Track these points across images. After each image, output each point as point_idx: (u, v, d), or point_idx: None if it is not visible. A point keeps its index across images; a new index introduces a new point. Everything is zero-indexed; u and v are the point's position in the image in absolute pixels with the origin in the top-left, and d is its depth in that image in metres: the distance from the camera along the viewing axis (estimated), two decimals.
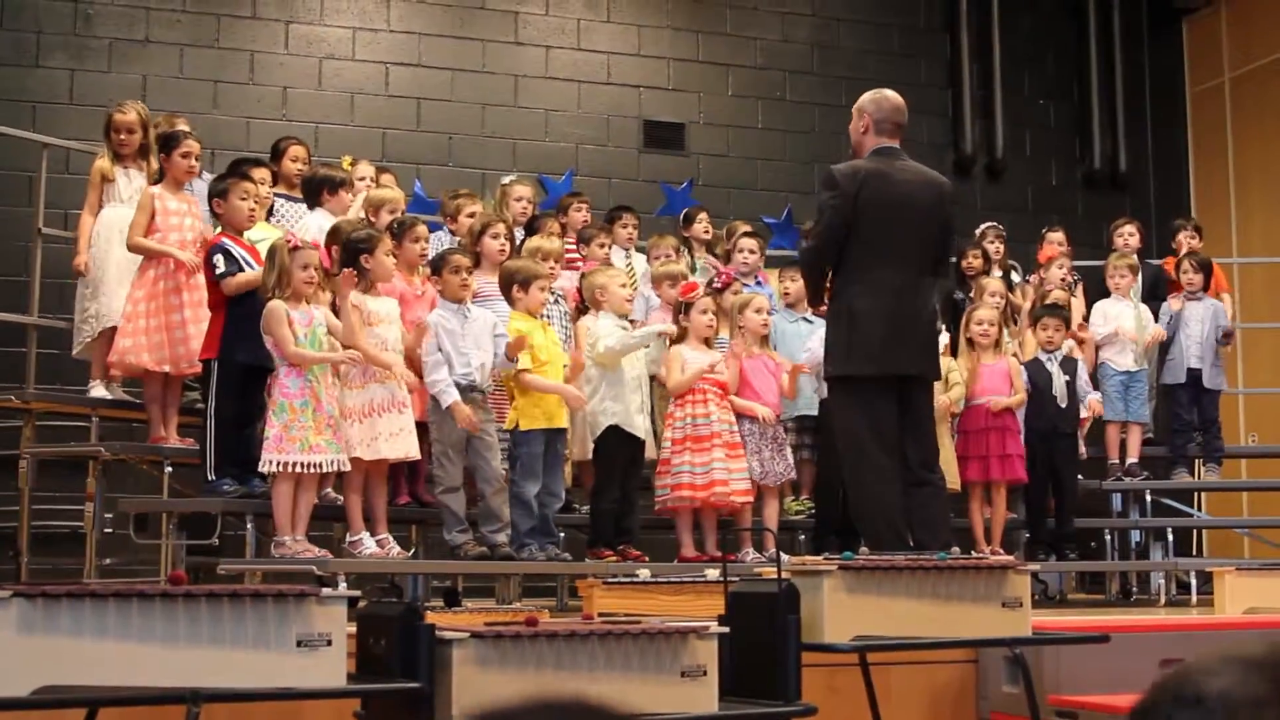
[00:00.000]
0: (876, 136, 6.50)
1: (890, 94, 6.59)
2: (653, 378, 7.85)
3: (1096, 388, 8.94)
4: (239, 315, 6.73)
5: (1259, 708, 1.27)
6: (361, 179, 8.27)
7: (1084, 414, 8.68)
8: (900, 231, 6.33)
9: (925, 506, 6.38)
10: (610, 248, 8.74)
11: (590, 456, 7.55)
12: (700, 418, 7.54)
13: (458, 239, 7.99)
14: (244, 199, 7.00)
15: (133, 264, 7.51)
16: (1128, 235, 9.85)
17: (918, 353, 6.39)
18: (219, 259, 6.79)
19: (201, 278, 7.04)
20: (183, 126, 7.99)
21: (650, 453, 7.74)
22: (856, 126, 6.57)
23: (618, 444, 7.39)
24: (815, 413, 8.10)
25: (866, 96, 6.60)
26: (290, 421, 6.34)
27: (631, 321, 7.88)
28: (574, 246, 8.70)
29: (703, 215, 9.45)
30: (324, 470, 6.47)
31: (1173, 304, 9.33)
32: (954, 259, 8.83)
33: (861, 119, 6.55)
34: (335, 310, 6.67)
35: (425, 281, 7.44)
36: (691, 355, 7.65)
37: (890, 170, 6.42)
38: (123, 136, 7.70)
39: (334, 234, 7.12)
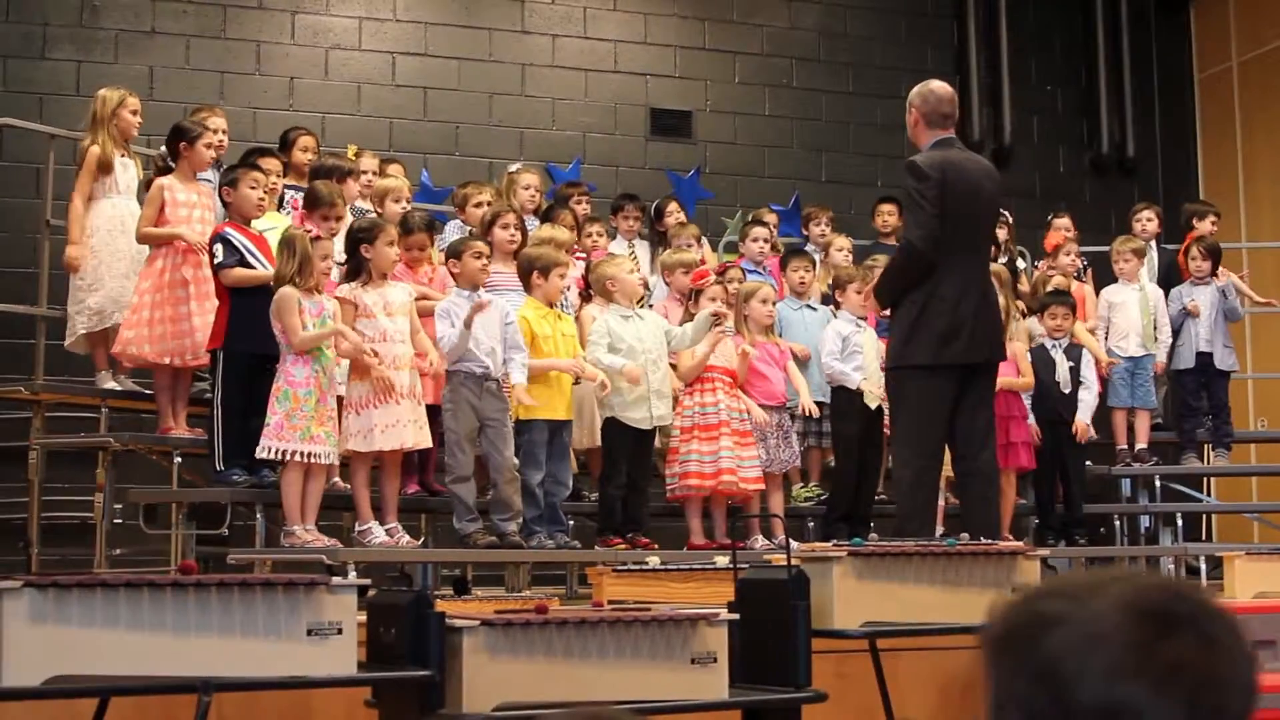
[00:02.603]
0: (930, 129, 6.54)
1: (937, 85, 6.63)
2: None
3: (1105, 381, 8.92)
4: (243, 305, 6.74)
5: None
6: (365, 172, 8.24)
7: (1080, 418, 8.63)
8: (973, 220, 6.41)
9: (976, 496, 6.44)
10: (604, 236, 8.75)
11: (598, 444, 7.56)
12: (709, 406, 7.53)
13: (470, 229, 7.99)
14: (253, 188, 7.00)
15: (134, 259, 7.51)
16: (1145, 220, 9.81)
17: (985, 340, 6.43)
18: (218, 248, 6.79)
19: (209, 271, 7.05)
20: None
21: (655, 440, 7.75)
22: (909, 121, 6.63)
23: (620, 431, 7.39)
24: (825, 398, 8.09)
25: (915, 90, 6.63)
26: (293, 410, 6.35)
27: (650, 307, 7.91)
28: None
29: (673, 206, 9.45)
30: (321, 461, 6.48)
31: (1185, 294, 9.28)
32: None
33: (911, 113, 6.60)
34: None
35: (434, 270, 7.45)
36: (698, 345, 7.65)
37: (963, 163, 6.48)
38: (138, 119, 7.70)
39: (310, 196, 7.30)
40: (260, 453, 6.40)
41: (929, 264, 6.33)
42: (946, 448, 6.57)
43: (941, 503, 7.39)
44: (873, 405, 7.78)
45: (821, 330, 8.11)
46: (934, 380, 6.36)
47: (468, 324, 6.66)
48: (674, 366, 7.76)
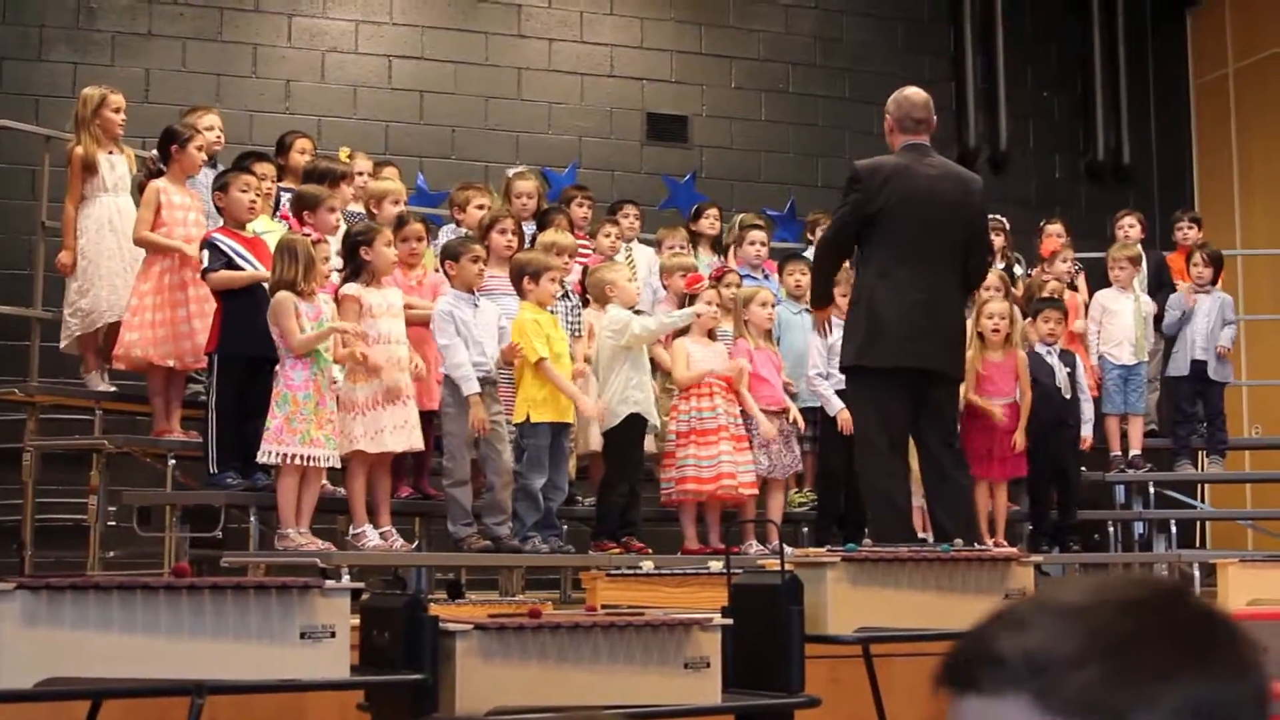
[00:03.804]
0: (902, 134, 6.53)
1: (911, 91, 6.63)
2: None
3: (1099, 387, 8.95)
4: (236, 308, 6.74)
5: (1068, 667, 1.11)
6: (360, 173, 8.24)
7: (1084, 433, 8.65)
8: (923, 228, 6.31)
9: (952, 502, 6.39)
10: (615, 239, 8.73)
11: (595, 448, 7.55)
12: (705, 410, 7.54)
13: (465, 231, 8.00)
14: (244, 191, 7.00)
15: (125, 257, 7.50)
16: (1128, 227, 9.84)
17: (937, 349, 6.33)
18: (204, 254, 6.80)
19: None
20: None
21: (650, 446, 7.75)
22: (885, 128, 6.64)
23: (634, 433, 7.39)
24: (817, 404, 8.11)
25: (891, 97, 6.63)
26: (292, 414, 6.36)
27: (638, 313, 7.90)
28: (582, 242, 8.69)
29: (712, 211, 9.45)
30: (321, 464, 6.48)
31: (1187, 299, 9.29)
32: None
33: (887, 120, 6.60)
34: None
35: (425, 274, 7.46)
36: (695, 348, 7.65)
37: (915, 167, 6.41)
38: (122, 117, 7.69)
39: (298, 200, 7.30)
40: (261, 457, 6.40)
41: (832, 264, 6.79)
42: (913, 455, 6.54)
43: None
44: None
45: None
46: (873, 386, 6.32)
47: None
48: (668, 372, 7.79)
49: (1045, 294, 8.86)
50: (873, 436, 6.35)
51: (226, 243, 6.84)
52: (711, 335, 7.79)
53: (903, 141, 6.52)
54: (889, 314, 6.26)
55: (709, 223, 9.36)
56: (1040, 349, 8.49)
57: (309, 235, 6.66)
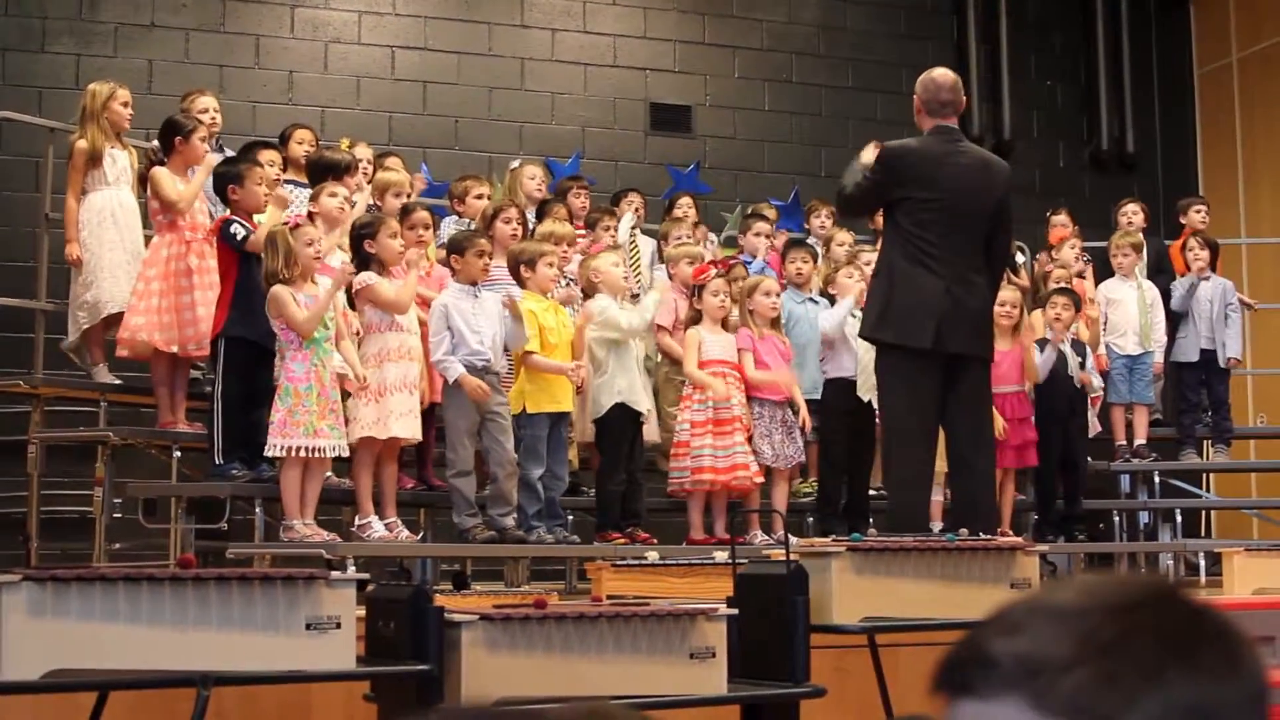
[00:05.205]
0: (930, 117, 6.45)
1: (939, 72, 6.54)
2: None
3: (1104, 371, 8.93)
4: (244, 291, 6.73)
5: (1061, 670, 1.11)
6: (361, 160, 8.24)
7: (1091, 394, 8.67)
8: (951, 217, 6.27)
9: (969, 491, 6.36)
10: (614, 230, 8.69)
11: (592, 438, 7.56)
12: (721, 402, 7.52)
13: (466, 222, 7.99)
14: (259, 184, 7.02)
15: (127, 249, 7.51)
16: (1131, 214, 9.83)
17: (966, 335, 6.29)
18: (236, 228, 6.80)
19: (213, 261, 7.05)
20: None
21: (651, 435, 7.74)
22: (914, 109, 6.55)
23: (623, 423, 7.39)
24: (819, 396, 8.11)
25: (919, 78, 6.55)
26: (295, 406, 6.36)
27: (634, 297, 7.90)
28: (581, 233, 8.68)
29: (685, 200, 9.42)
30: (326, 455, 6.49)
31: (1194, 283, 9.26)
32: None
33: (915, 102, 6.52)
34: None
35: (432, 266, 7.46)
36: (708, 336, 7.65)
37: (941, 153, 6.35)
38: (129, 111, 7.70)
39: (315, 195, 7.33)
40: (269, 451, 6.40)
41: (857, 214, 6.99)
42: (941, 443, 6.52)
43: (939, 498, 7.38)
44: (865, 398, 7.78)
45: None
46: (911, 370, 6.27)
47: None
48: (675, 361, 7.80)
49: (1055, 283, 8.84)
50: (902, 420, 6.31)
51: (243, 225, 6.85)
52: (725, 325, 7.77)
53: (931, 124, 6.45)
54: (916, 299, 6.23)
55: (682, 211, 9.32)
56: (1051, 336, 8.44)
57: (287, 223, 6.68)
